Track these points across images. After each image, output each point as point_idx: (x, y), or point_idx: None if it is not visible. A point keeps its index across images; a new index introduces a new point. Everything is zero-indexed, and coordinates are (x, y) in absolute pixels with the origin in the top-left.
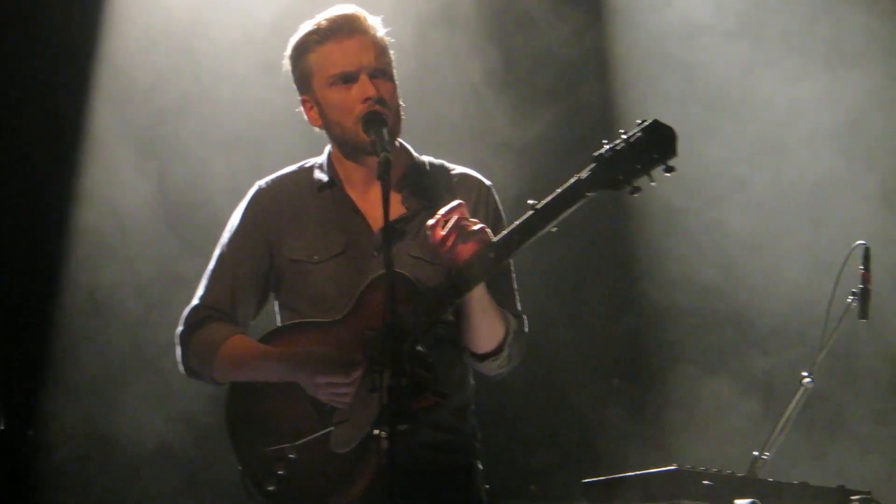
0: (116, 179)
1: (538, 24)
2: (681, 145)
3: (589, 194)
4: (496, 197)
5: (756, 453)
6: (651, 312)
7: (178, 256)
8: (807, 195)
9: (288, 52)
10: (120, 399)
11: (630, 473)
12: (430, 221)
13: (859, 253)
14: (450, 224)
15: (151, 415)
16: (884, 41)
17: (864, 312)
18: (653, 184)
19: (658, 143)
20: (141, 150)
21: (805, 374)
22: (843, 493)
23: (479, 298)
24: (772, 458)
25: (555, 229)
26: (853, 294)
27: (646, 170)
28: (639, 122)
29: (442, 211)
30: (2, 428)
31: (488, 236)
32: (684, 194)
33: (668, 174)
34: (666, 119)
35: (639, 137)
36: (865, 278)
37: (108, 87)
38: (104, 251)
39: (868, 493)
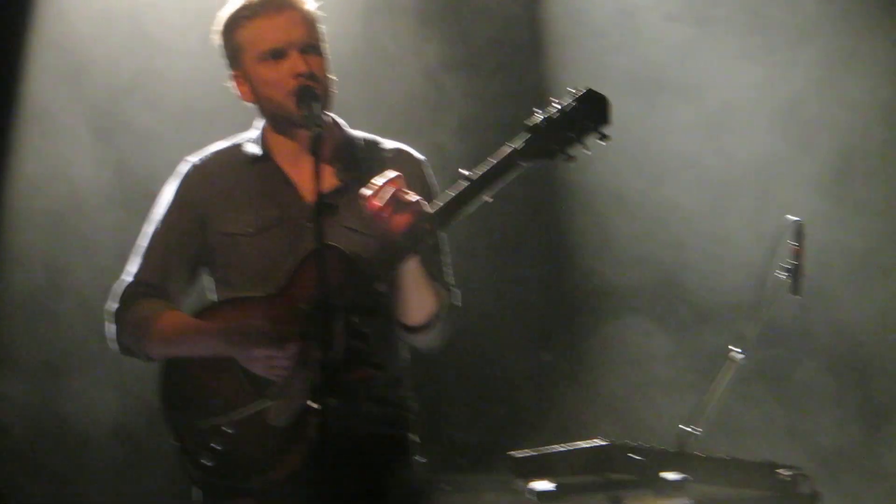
0: (67, 157)
1: (483, 6)
2: (622, 124)
3: (523, 164)
4: (430, 171)
5: (685, 428)
6: (588, 286)
7: (134, 233)
8: (747, 174)
9: (218, 28)
10: (74, 379)
11: (559, 448)
12: (365, 191)
13: (793, 229)
14: (386, 195)
15: (106, 395)
16: (825, 24)
17: (795, 288)
18: (588, 152)
19: (591, 111)
20: (92, 126)
21: (734, 348)
22: (772, 468)
23: (412, 270)
24: (702, 432)
25: (490, 200)
26: (785, 270)
27: (580, 138)
28: (572, 90)
29: (377, 180)
30: None
31: (423, 208)
32: (622, 172)
33: (602, 142)
34: (608, 96)
35: (573, 106)
36: (797, 253)
37: (53, 64)
38: (59, 230)
39: (797, 468)
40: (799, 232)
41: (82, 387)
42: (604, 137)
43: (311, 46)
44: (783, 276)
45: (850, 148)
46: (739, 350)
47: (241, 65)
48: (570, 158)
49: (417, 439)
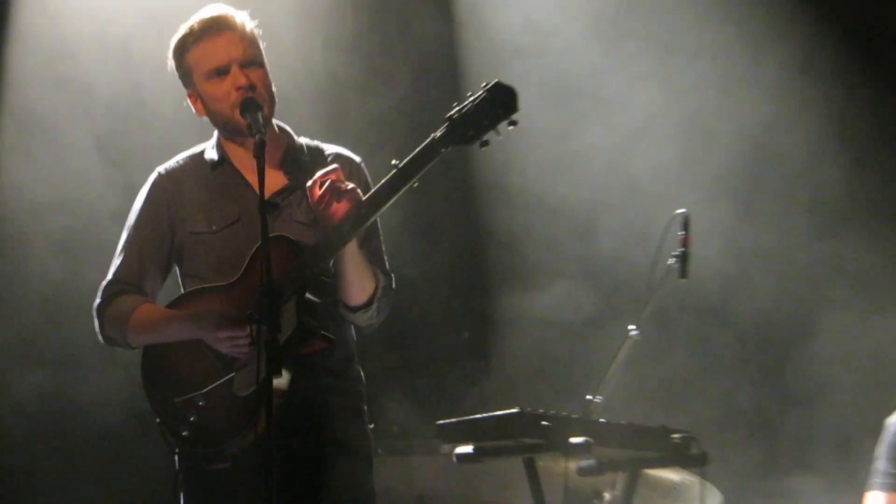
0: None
1: (406, 23)
2: (534, 131)
3: (443, 150)
4: (366, 170)
5: (589, 397)
6: (502, 272)
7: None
8: (651, 176)
9: (169, 53)
10: (89, 371)
11: (479, 416)
12: (309, 183)
13: (680, 220)
14: (325, 184)
15: (117, 384)
16: (720, 49)
17: (683, 272)
18: (500, 136)
19: (501, 100)
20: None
21: (632, 326)
22: (666, 432)
23: (351, 254)
24: (602, 400)
25: (416, 185)
26: (674, 256)
27: (492, 125)
28: (483, 83)
29: (319, 173)
30: None
31: (359, 195)
32: (531, 169)
33: (511, 127)
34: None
35: (484, 97)
36: (685, 242)
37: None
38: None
39: (688, 432)
40: (686, 222)
41: (96, 377)
42: (512, 123)
43: (250, 62)
44: (672, 262)
45: (741, 156)
46: (635, 328)
47: (193, 84)
48: (485, 143)
49: (366, 408)
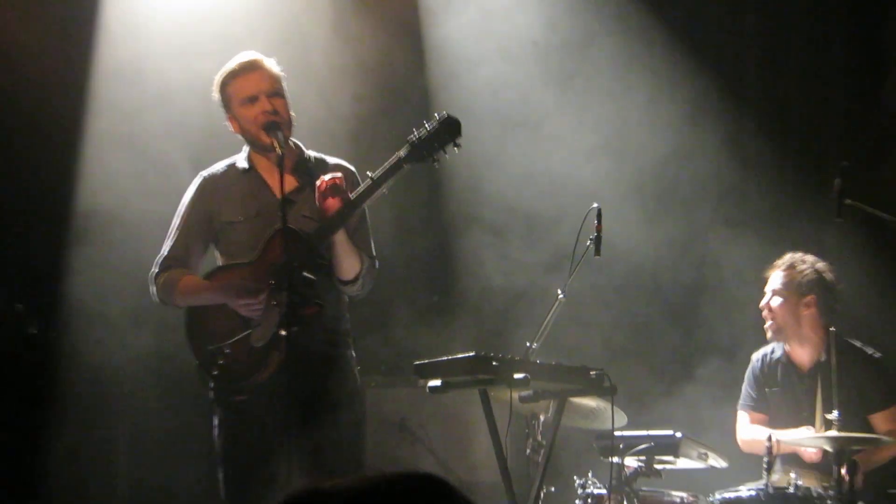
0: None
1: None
2: (481, 144)
3: (406, 166)
4: (358, 176)
5: (528, 344)
6: (460, 252)
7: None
8: (574, 182)
9: (214, 87)
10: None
11: (445, 358)
12: (318, 182)
13: (595, 213)
14: (328, 182)
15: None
16: (631, 83)
17: (597, 251)
18: (447, 156)
19: (449, 129)
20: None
21: (559, 291)
22: (586, 370)
23: (341, 240)
24: (538, 347)
25: (386, 192)
26: (590, 239)
27: (442, 147)
28: (437, 114)
29: (328, 176)
30: (35, 332)
31: (347, 195)
32: (481, 175)
33: (456, 149)
34: (465, 123)
35: (436, 127)
36: (598, 229)
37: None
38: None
39: (602, 369)
40: (599, 215)
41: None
42: (457, 146)
43: (274, 93)
44: (589, 243)
45: (645, 174)
46: (562, 293)
47: (231, 110)
48: (436, 161)
49: (354, 354)
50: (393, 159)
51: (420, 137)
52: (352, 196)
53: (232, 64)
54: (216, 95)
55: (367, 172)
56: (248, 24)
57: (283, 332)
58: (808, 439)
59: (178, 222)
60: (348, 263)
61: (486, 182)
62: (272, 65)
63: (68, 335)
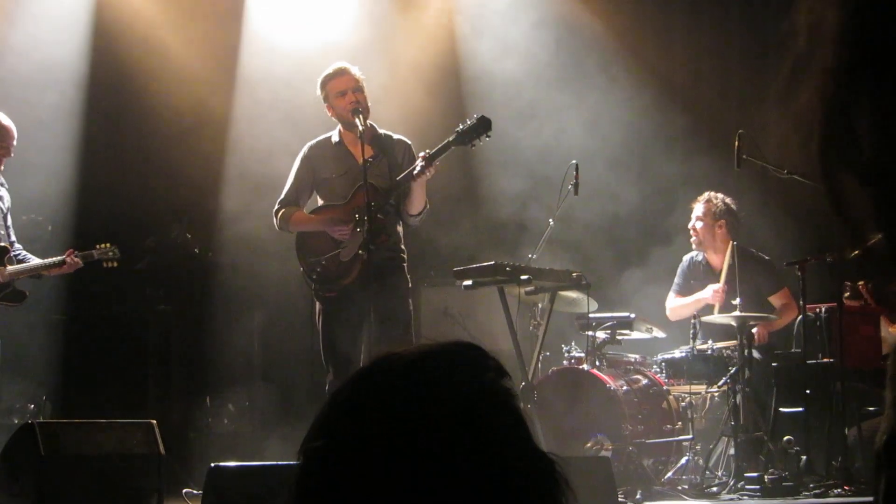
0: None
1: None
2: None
3: (452, 147)
4: (413, 149)
5: (530, 255)
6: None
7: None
8: (557, 157)
9: (318, 85)
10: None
11: (474, 265)
12: (421, 155)
13: (574, 166)
14: (423, 155)
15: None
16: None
17: (575, 192)
18: (481, 143)
19: (483, 124)
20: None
21: (551, 220)
22: (570, 272)
23: (419, 185)
24: (536, 258)
25: (438, 164)
26: (571, 184)
27: (478, 136)
28: (475, 115)
29: (425, 154)
30: (198, 251)
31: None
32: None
33: (488, 138)
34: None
35: (474, 123)
36: (577, 178)
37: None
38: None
39: (581, 272)
40: (577, 167)
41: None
42: (488, 136)
43: (358, 89)
44: (570, 186)
45: (602, 156)
46: (552, 221)
47: (329, 100)
48: (473, 146)
49: (406, 265)
50: (445, 142)
51: (464, 128)
52: (418, 166)
53: (329, 70)
54: (318, 91)
55: (426, 150)
56: (352, 47)
57: (362, 252)
58: (708, 297)
59: (292, 176)
60: (419, 200)
61: (508, 154)
62: (356, 70)
63: (221, 254)
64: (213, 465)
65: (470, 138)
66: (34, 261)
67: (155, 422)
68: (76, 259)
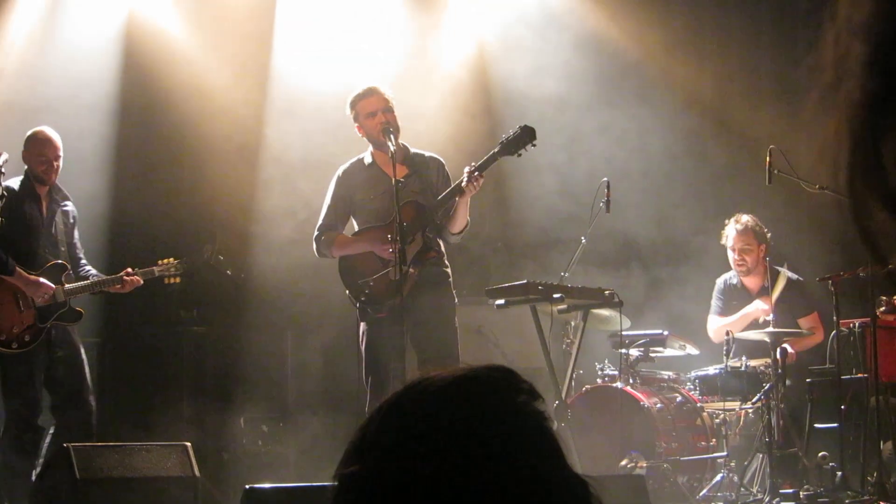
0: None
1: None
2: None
3: (499, 157)
4: (446, 167)
5: (562, 273)
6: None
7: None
8: (591, 175)
9: (347, 106)
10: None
11: (506, 285)
12: (467, 169)
13: (606, 184)
14: (468, 171)
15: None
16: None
17: (607, 209)
18: (526, 151)
19: (528, 133)
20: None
21: (583, 237)
22: (602, 290)
23: (464, 204)
24: (569, 276)
25: (483, 178)
26: (601, 202)
27: (524, 145)
28: (519, 125)
29: (468, 168)
30: (230, 272)
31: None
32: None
33: (533, 147)
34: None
35: (518, 132)
36: (607, 195)
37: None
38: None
39: (613, 290)
40: (608, 185)
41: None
42: (534, 146)
43: (388, 109)
44: (602, 204)
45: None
46: (584, 238)
47: (359, 120)
48: (520, 155)
49: (451, 281)
50: (491, 153)
51: (509, 138)
52: (465, 180)
53: (358, 90)
54: (348, 111)
55: (472, 163)
56: (384, 65)
57: (412, 270)
58: (755, 311)
59: (328, 201)
60: (462, 220)
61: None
62: (386, 90)
63: (254, 275)
64: (247, 486)
65: (515, 147)
66: (93, 278)
67: (189, 444)
68: (135, 277)
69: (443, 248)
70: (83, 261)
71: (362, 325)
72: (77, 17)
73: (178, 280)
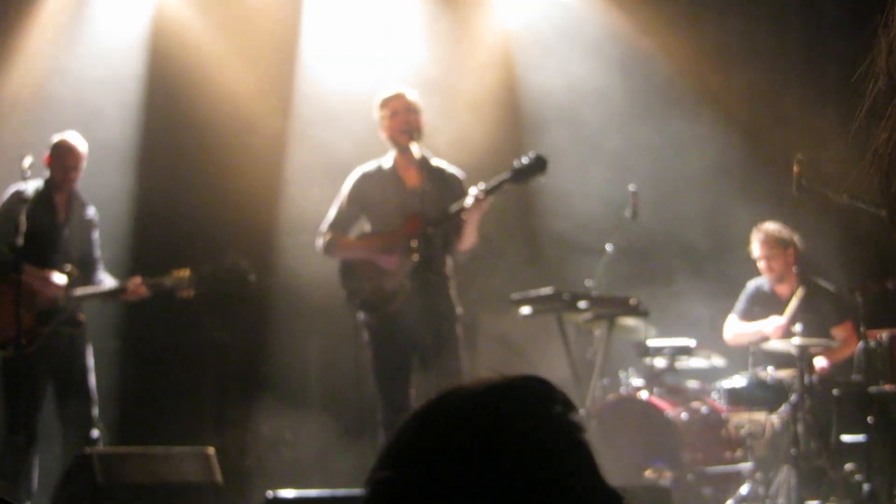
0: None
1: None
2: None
3: (507, 185)
4: (465, 182)
5: (587, 282)
6: (557, 227)
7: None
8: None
9: (376, 106)
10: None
11: (531, 293)
12: (474, 191)
13: (633, 191)
14: (475, 194)
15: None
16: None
17: (634, 217)
18: (535, 182)
19: (540, 164)
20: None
21: (608, 245)
22: (626, 298)
23: (472, 219)
24: (594, 284)
25: (492, 200)
26: (630, 211)
27: (533, 176)
28: (531, 153)
29: (474, 188)
30: (253, 279)
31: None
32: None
33: (543, 178)
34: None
35: (530, 162)
36: (635, 203)
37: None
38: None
39: (638, 298)
40: (636, 193)
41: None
42: (544, 175)
43: (413, 111)
44: (628, 213)
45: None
46: (611, 246)
47: (385, 121)
48: (528, 184)
49: (454, 294)
50: (499, 180)
51: (521, 166)
52: (470, 200)
53: (386, 92)
54: (375, 113)
55: (481, 185)
56: (407, 72)
57: (407, 281)
58: (768, 331)
59: (342, 200)
60: (470, 239)
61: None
62: (413, 94)
63: (277, 281)
64: (269, 493)
65: (525, 177)
66: (102, 286)
67: (212, 450)
68: (142, 288)
69: (447, 262)
70: (100, 268)
71: (365, 335)
72: (104, 18)
73: (190, 294)
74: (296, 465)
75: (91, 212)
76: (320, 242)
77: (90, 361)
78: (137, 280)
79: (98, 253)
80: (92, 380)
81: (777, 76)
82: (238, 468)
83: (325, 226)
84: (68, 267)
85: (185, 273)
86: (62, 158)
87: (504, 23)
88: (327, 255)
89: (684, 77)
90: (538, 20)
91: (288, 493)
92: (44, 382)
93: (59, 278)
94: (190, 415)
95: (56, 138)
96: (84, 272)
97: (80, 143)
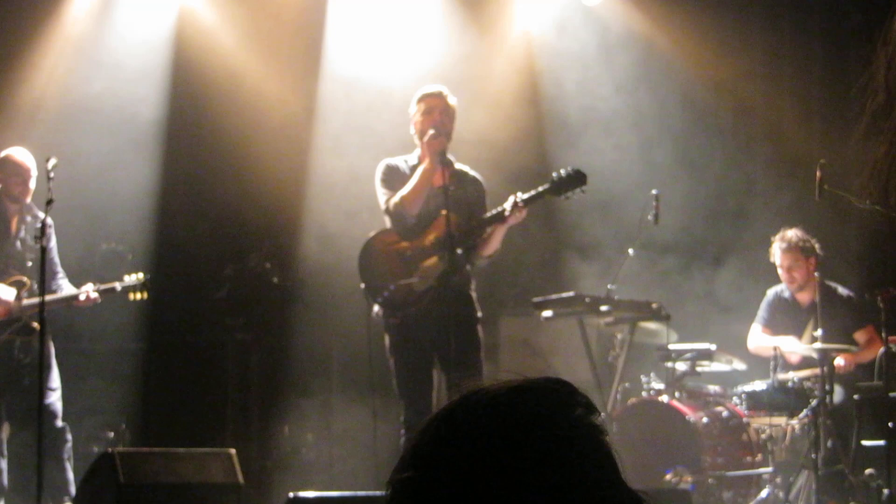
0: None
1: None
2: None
3: (546, 196)
4: (485, 186)
5: (609, 286)
6: (569, 239)
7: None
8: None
9: (412, 104)
10: None
11: (553, 296)
12: (513, 199)
13: (655, 196)
14: (513, 201)
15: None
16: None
17: (655, 221)
18: (574, 196)
19: (580, 178)
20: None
21: (630, 249)
22: (649, 303)
23: (500, 231)
24: (616, 288)
25: (525, 211)
26: (651, 214)
27: (572, 189)
28: (571, 167)
29: (513, 199)
30: (276, 280)
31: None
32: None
33: (582, 192)
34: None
35: (570, 174)
36: (656, 208)
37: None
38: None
39: (660, 303)
40: (657, 197)
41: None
42: (583, 190)
43: (447, 113)
44: (650, 217)
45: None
46: (632, 250)
47: (418, 118)
48: (567, 198)
49: (475, 295)
50: (537, 191)
51: (560, 178)
52: (508, 209)
53: (427, 89)
54: (411, 108)
55: (519, 194)
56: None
57: (437, 284)
58: (793, 345)
59: (383, 186)
60: (494, 246)
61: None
62: (451, 98)
63: (300, 283)
64: (291, 494)
65: (564, 189)
66: (58, 293)
67: (234, 451)
68: (93, 296)
69: (467, 269)
70: (59, 275)
71: (386, 337)
72: (129, 19)
73: (144, 295)
74: (317, 465)
75: (47, 221)
76: (391, 204)
77: (50, 361)
78: (90, 286)
79: (56, 260)
80: (52, 377)
81: (799, 81)
82: (260, 469)
83: (388, 200)
84: (23, 278)
85: (140, 277)
86: (17, 172)
87: (528, 22)
88: (400, 210)
89: (706, 81)
90: (561, 20)
91: (309, 493)
92: (3, 383)
93: (7, 292)
94: (212, 415)
95: (3, 154)
96: (38, 281)
97: (27, 157)
